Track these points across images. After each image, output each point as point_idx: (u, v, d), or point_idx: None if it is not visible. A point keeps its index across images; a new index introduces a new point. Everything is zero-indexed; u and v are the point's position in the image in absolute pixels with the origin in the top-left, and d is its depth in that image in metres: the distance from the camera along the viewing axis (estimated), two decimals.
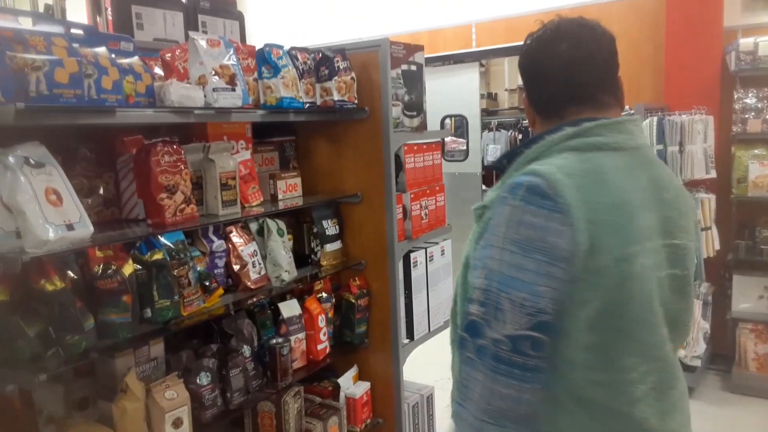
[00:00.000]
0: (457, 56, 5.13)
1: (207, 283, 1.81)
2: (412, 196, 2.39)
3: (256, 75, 2.10)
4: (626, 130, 1.08)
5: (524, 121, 7.47)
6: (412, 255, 2.41)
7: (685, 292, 1.10)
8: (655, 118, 3.45)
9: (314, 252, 2.30)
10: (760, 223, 3.71)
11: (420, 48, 2.53)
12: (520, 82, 7.61)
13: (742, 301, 3.70)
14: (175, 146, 1.77)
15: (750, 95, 3.63)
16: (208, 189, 1.92)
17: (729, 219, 3.78)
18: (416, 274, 2.42)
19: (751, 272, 3.70)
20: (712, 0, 3.75)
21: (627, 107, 3.67)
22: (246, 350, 1.92)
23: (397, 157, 2.37)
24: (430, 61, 4.77)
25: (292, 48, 2.23)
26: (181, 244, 1.75)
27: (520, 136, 7.13)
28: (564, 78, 1.10)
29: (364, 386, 2.31)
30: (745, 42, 3.59)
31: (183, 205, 1.75)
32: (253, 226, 2.06)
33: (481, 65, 5.94)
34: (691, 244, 1.09)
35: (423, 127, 2.59)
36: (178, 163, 1.77)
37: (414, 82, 2.53)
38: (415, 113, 2.53)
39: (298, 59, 2.22)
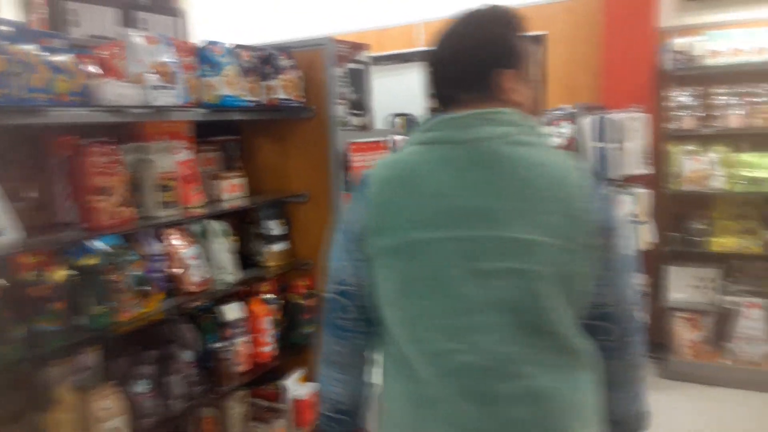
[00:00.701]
0: (405, 55, 5.14)
1: (145, 288, 1.76)
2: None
3: (197, 73, 2.05)
4: (464, 125, 1.05)
5: None
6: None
7: (536, 288, 0.99)
8: (594, 117, 3.55)
9: (260, 253, 2.27)
10: (694, 216, 3.88)
11: (365, 47, 2.53)
12: None
13: (676, 292, 3.87)
14: (110, 147, 1.71)
15: (684, 94, 3.78)
16: (147, 190, 1.86)
17: (665, 213, 3.94)
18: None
19: (686, 263, 3.87)
20: (647, 1, 3.89)
21: (570, 106, 3.77)
22: (188, 355, 1.88)
23: (344, 155, 2.37)
24: (378, 60, 4.76)
25: (236, 46, 2.19)
26: (118, 248, 1.69)
27: None
28: (431, 77, 1.12)
29: (311, 387, 2.29)
30: (679, 42, 3.74)
31: (119, 208, 1.69)
32: (195, 228, 2.01)
33: None
34: (545, 239, 0.98)
35: (369, 125, 2.59)
36: (114, 164, 1.71)
37: (360, 80, 2.52)
38: (361, 112, 2.53)
39: (241, 57, 2.18)
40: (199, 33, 2.62)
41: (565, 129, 3.64)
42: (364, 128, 2.54)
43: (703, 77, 3.76)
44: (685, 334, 3.76)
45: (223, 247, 2.00)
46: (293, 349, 2.31)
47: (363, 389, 1.20)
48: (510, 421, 1.01)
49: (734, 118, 3.65)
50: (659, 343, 3.94)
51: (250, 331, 2.12)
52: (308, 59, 2.26)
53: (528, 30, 1.15)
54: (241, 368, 2.08)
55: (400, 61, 5.23)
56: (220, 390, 1.96)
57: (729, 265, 3.84)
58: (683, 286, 3.88)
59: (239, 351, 2.07)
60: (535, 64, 1.15)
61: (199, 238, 2.01)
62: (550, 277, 0.99)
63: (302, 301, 2.24)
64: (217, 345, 1.97)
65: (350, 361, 1.17)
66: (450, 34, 1.11)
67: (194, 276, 1.91)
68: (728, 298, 3.65)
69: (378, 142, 2.62)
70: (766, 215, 3.70)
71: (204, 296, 1.95)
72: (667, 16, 3.96)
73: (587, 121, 3.57)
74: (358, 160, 2.44)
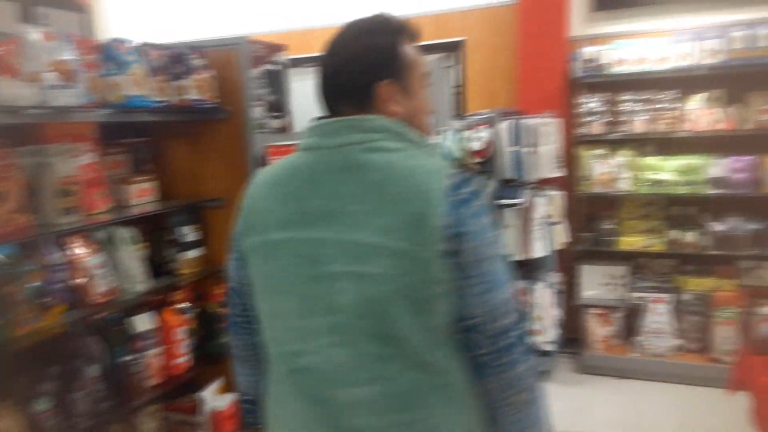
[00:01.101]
0: (321, 58, 5.12)
1: (45, 300, 1.64)
2: None
3: (101, 72, 1.94)
4: (330, 131, 1.07)
5: None
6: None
7: (378, 294, 0.98)
8: (510, 122, 3.67)
9: (173, 260, 2.18)
10: (603, 217, 4.08)
11: (282, 48, 2.49)
12: None
13: (588, 288, 4.05)
14: (3, 149, 1.59)
15: (593, 100, 3.97)
16: (46, 196, 1.75)
17: (577, 214, 4.12)
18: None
19: (597, 262, 4.07)
20: (558, 11, 4.06)
21: (488, 111, 3.87)
22: (94, 370, 1.77)
23: (261, 158, 2.32)
24: (303, 62, 4.72)
25: (144, 44, 2.10)
26: (13, 257, 1.57)
27: None
28: (318, 85, 1.13)
29: (229, 398, 2.23)
30: (588, 51, 3.93)
31: (14, 215, 1.58)
32: (101, 235, 1.91)
33: None
34: (387, 243, 0.97)
35: (288, 128, 2.55)
36: (9, 168, 1.60)
37: (277, 82, 2.48)
38: (279, 114, 2.49)
39: (149, 56, 2.09)
40: (116, 31, 2.50)
41: (484, 133, 3.74)
42: (284, 131, 2.50)
43: (611, 84, 3.97)
44: (597, 330, 3.94)
45: (131, 255, 1.90)
46: (211, 360, 2.24)
47: (261, 382, 1.21)
48: (345, 428, 1.01)
49: (639, 124, 3.87)
50: (575, 339, 4.11)
51: (162, 342, 2.02)
52: (222, 59, 2.20)
53: (418, 39, 1.16)
54: (153, 381, 1.99)
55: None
56: (130, 405, 1.86)
57: (636, 262, 4.07)
58: (595, 283, 4.07)
59: (151, 363, 1.97)
60: (421, 76, 1.14)
61: (105, 246, 1.90)
62: (393, 282, 0.97)
63: (219, 310, 2.17)
64: (127, 358, 1.88)
65: (245, 354, 1.25)
66: (334, 43, 1.12)
67: (100, 286, 1.81)
68: (636, 294, 3.86)
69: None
70: (668, 215, 3.95)
71: (111, 307, 1.85)
72: (577, 26, 4.15)
73: (504, 126, 3.68)
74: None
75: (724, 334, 3.61)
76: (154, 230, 2.20)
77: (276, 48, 2.44)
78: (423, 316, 0.99)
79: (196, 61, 2.17)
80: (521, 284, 3.73)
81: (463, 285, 0.99)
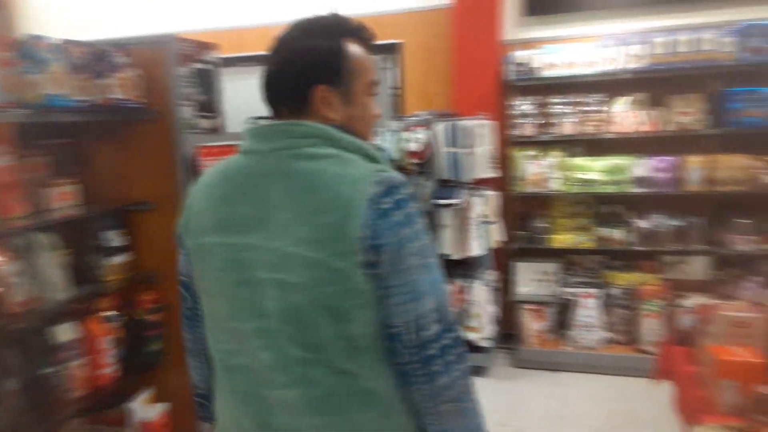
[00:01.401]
0: (263, 57, 5.04)
1: None
2: None
3: (17, 70, 1.84)
4: (263, 135, 1.07)
5: None
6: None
7: (297, 301, 0.99)
8: (447, 123, 3.73)
9: (98, 267, 2.09)
10: (536, 216, 4.20)
11: (213, 46, 2.43)
12: None
13: (523, 285, 4.16)
14: None
15: (525, 103, 4.09)
16: None
17: (511, 213, 4.23)
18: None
19: (530, 259, 4.18)
20: (491, 15, 4.15)
21: (425, 113, 3.91)
22: (12, 384, 1.67)
23: (192, 159, 2.25)
24: (238, 61, 4.62)
25: (65, 41, 2.00)
26: None
27: None
28: (261, 86, 1.12)
29: (161, 408, 2.15)
30: (520, 55, 4.03)
31: None
32: (18, 242, 1.80)
33: None
34: (305, 252, 0.97)
35: (220, 128, 2.49)
36: None
37: (208, 81, 2.42)
38: (210, 114, 2.43)
39: (71, 53, 1.99)
40: (38, 29, 2.37)
41: (421, 135, 3.78)
42: (215, 131, 2.44)
43: (542, 87, 4.09)
44: (531, 325, 4.05)
45: (51, 262, 1.81)
46: (139, 369, 2.15)
47: (211, 376, 1.21)
48: (272, 427, 1.04)
49: (568, 126, 4.00)
50: (510, 335, 4.21)
51: (87, 352, 1.93)
52: (149, 58, 2.13)
53: (371, 45, 1.13)
54: (77, 394, 1.89)
55: (261, 62, 5.13)
56: (54, 419, 1.77)
57: (567, 259, 4.21)
58: (529, 280, 4.18)
59: (75, 375, 1.88)
60: (366, 83, 1.11)
61: (23, 253, 1.80)
62: (311, 291, 0.98)
63: (148, 317, 2.09)
64: (48, 370, 1.78)
65: (196, 348, 1.25)
66: (279, 41, 1.10)
67: (17, 295, 1.71)
68: (567, 289, 3.99)
69: (232, 145, 2.53)
70: (597, 213, 4.10)
71: (30, 317, 1.75)
72: (509, 30, 4.26)
73: (440, 128, 3.73)
74: (208, 165, 2.34)
75: (650, 326, 3.78)
76: (77, 236, 2.10)
77: (206, 47, 2.38)
78: (343, 324, 0.99)
79: (121, 59, 2.09)
80: (459, 283, 3.79)
81: (384, 295, 0.99)
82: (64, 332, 1.86)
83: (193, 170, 2.24)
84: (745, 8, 3.76)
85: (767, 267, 3.74)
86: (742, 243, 3.66)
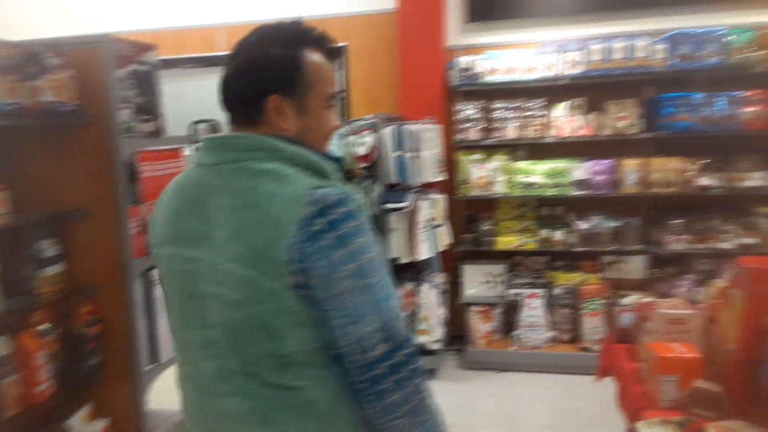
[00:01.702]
0: (207, 59, 4.94)
1: None
2: (150, 207, 2.20)
3: None
4: (211, 148, 1.08)
5: None
6: (153, 272, 2.22)
7: (233, 316, 1.01)
8: (393, 127, 3.74)
9: (30, 278, 1.97)
10: (482, 218, 4.28)
11: (151, 47, 2.35)
12: None
13: (470, 287, 4.22)
14: None
15: (469, 107, 4.15)
16: None
17: (458, 216, 4.29)
18: (159, 291, 2.24)
19: (476, 261, 4.25)
20: (434, 21, 4.21)
21: (372, 116, 3.91)
22: None
23: (131, 165, 2.16)
24: (177, 63, 4.50)
25: None
26: None
27: None
28: (219, 93, 1.13)
29: (101, 424, 2.06)
30: (464, 60, 4.10)
31: None
32: None
33: None
34: (238, 270, 0.98)
35: (161, 131, 2.41)
36: None
37: (147, 83, 2.33)
38: (149, 117, 2.34)
39: None
40: None
41: (368, 139, 3.77)
42: (156, 135, 2.36)
43: (485, 92, 4.17)
44: (479, 326, 4.10)
45: None
46: (78, 384, 2.05)
47: None
48: None
49: (511, 130, 4.09)
50: (459, 336, 4.26)
51: (20, 368, 1.82)
52: (83, 59, 2.03)
53: (333, 55, 1.12)
54: (10, 412, 1.78)
55: (202, 64, 5.01)
56: None
57: (512, 260, 4.29)
58: (475, 282, 4.24)
59: (7, 392, 1.77)
60: (323, 94, 1.09)
61: None
62: (246, 308, 0.99)
63: (85, 330, 1.99)
64: None
65: None
66: (236, 48, 1.09)
67: None
68: (513, 290, 4.07)
69: (174, 150, 2.45)
70: (539, 216, 4.21)
71: None
72: (453, 36, 4.32)
73: (387, 132, 3.74)
74: (148, 170, 2.25)
75: (591, 324, 3.90)
76: (8, 246, 1.98)
77: (144, 47, 2.30)
78: (277, 342, 0.99)
79: (53, 60, 1.99)
80: (408, 286, 3.80)
81: (322, 317, 0.98)
82: None
83: (132, 176, 2.15)
84: (675, 17, 3.95)
85: (700, 265, 3.93)
86: (675, 243, 3.82)
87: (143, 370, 2.12)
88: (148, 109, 2.33)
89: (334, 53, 1.12)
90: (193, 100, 4.61)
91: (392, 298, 1.01)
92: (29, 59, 1.93)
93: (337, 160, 1.12)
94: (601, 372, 2.38)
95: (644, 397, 1.76)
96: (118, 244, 2.06)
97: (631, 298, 3.86)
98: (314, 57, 1.07)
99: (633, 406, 1.78)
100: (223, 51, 4.76)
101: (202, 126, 5.59)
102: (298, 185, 0.99)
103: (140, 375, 2.11)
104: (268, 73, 1.05)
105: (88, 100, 2.03)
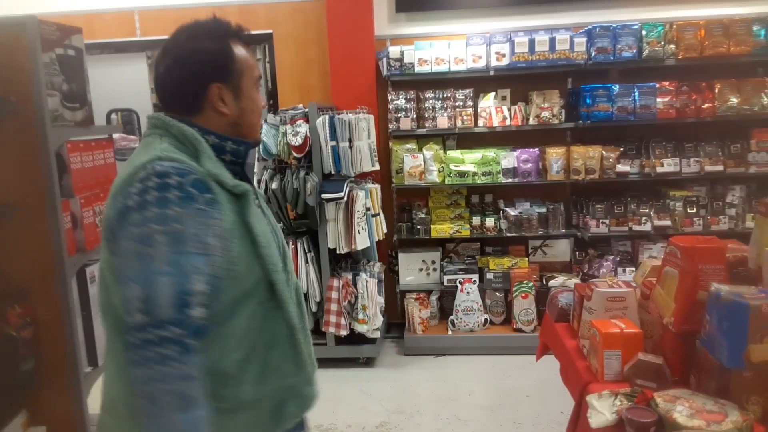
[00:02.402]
0: (119, 45, 4.67)
1: None
2: (82, 201, 2.07)
3: None
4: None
5: None
6: (89, 269, 2.09)
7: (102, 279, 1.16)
8: (327, 117, 3.71)
9: None
10: (416, 207, 4.33)
11: (78, 30, 2.20)
12: None
13: (406, 275, 4.28)
14: None
15: (400, 97, 4.18)
16: None
17: (392, 205, 4.32)
18: (95, 289, 2.12)
19: (412, 249, 4.31)
20: (363, 10, 4.19)
21: (302, 106, 3.86)
22: None
23: (60, 156, 2.02)
24: (89, 48, 4.23)
25: None
26: None
27: None
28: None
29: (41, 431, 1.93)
30: (393, 50, 4.11)
31: None
32: None
33: (148, 57, 5.53)
34: (103, 235, 1.12)
35: (89, 121, 2.27)
36: None
37: (74, 69, 2.19)
38: (77, 105, 2.20)
39: None
40: None
41: (302, 128, 3.72)
42: (84, 124, 2.21)
43: (415, 83, 4.21)
44: (416, 312, 4.17)
45: None
46: (12, 391, 1.91)
47: None
48: None
49: (441, 120, 4.16)
50: (397, 324, 4.31)
51: None
52: (5, 43, 1.88)
53: (248, 43, 1.24)
54: None
55: (115, 50, 4.74)
56: None
57: (446, 248, 4.39)
58: (411, 269, 4.30)
59: None
60: (252, 78, 1.24)
61: None
62: (102, 264, 1.14)
63: (18, 333, 1.86)
64: None
65: None
66: (165, 46, 1.19)
67: None
68: (448, 277, 4.16)
69: (105, 140, 2.31)
70: (471, 203, 4.32)
71: None
72: (381, 26, 4.32)
73: (320, 121, 3.70)
74: (78, 161, 2.12)
75: (523, 306, 4.06)
76: None
77: (71, 30, 2.15)
78: (110, 295, 1.12)
79: None
80: (346, 276, 3.80)
81: (113, 279, 1.10)
82: None
83: (61, 168, 2.02)
84: (594, 11, 4.16)
85: (619, 247, 4.18)
86: (597, 226, 4.04)
87: (81, 374, 2.00)
88: (76, 96, 2.18)
89: (251, 41, 1.26)
90: (106, 87, 4.37)
91: (172, 276, 1.02)
92: None
93: (249, 145, 1.25)
94: (540, 351, 2.49)
95: (589, 372, 1.85)
96: (51, 240, 1.92)
97: (559, 280, 4.08)
98: (239, 46, 1.21)
99: (579, 381, 1.87)
100: (141, 36, 4.55)
101: (117, 115, 5.31)
102: (148, 155, 1.10)
103: (79, 379, 1.99)
104: (205, 66, 1.17)
105: (12, 87, 1.88)
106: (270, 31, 4.40)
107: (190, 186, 1.06)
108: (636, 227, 4.00)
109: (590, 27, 3.96)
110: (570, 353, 2.07)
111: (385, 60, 4.13)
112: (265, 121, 3.81)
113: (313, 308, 3.83)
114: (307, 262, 3.78)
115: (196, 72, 1.16)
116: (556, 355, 2.26)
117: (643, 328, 1.83)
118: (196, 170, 1.10)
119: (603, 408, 1.53)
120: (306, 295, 3.80)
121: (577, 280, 3.88)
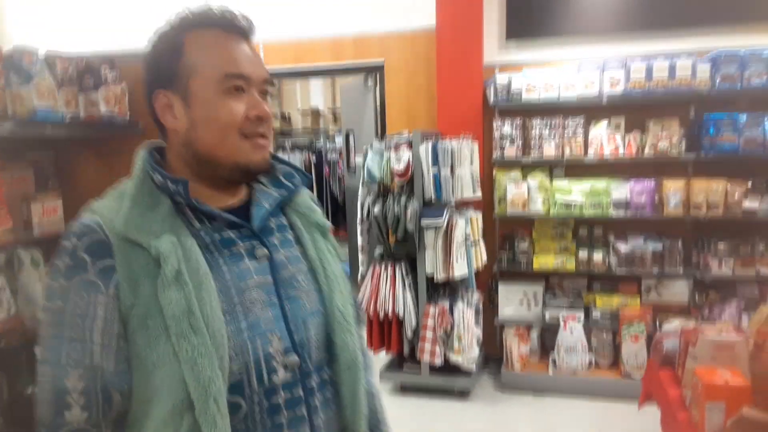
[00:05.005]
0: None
1: None
2: None
3: (3, 83, 1.81)
4: None
5: (318, 143, 7.61)
6: None
7: None
8: (430, 143, 3.75)
9: None
10: (518, 237, 4.23)
11: None
12: (313, 103, 7.69)
13: (506, 307, 4.17)
14: None
15: (506, 124, 4.14)
16: None
17: (494, 234, 4.26)
18: None
19: (513, 280, 4.19)
20: (473, 38, 4.22)
21: (408, 132, 3.93)
22: None
23: None
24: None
25: (49, 53, 1.98)
26: None
27: (314, 157, 7.25)
28: None
29: None
30: (501, 77, 4.09)
31: None
32: None
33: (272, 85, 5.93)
34: None
35: None
36: None
37: None
38: None
39: (56, 66, 1.97)
40: (23, 40, 2.33)
41: (405, 154, 3.79)
42: None
43: (523, 110, 4.15)
44: (514, 347, 4.04)
45: (34, 279, 1.76)
46: None
47: None
48: None
49: (548, 148, 4.06)
50: (494, 357, 4.20)
51: None
52: (137, 71, 2.11)
53: (228, 27, 0.92)
54: None
55: None
56: None
57: (549, 281, 4.23)
58: (511, 301, 4.19)
59: None
60: (212, 78, 0.88)
61: (4, 270, 1.75)
62: None
63: None
64: (32, 389, 1.72)
65: None
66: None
67: None
68: (550, 312, 4.01)
69: None
70: (577, 236, 4.15)
71: (12, 336, 1.69)
72: (491, 53, 4.32)
73: (424, 148, 3.75)
74: None
75: (632, 350, 3.81)
76: None
77: None
78: None
79: (108, 73, 2.07)
80: (442, 304, 3.78)
81: None
82: None
83: None
84: (717, 36, 3.88)
85: (745, 291, 3.81)
86: (719, 267, 3.72)
87: None
88: None
89: (231, 27, 0.92)
90: None
91: (50, 366, 0.82)
92: (86, 72, 2.01)
93: (178, 182, 0.90)
94: (643, 398, 2.33)
95: (689, 425, 1.71)
96: None
97: (674, 323, 3.78)
98: (202, 36, 0.90)
99: None
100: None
101: None
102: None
103: None
104: (150, 69, 0.91)
105: (141, 111, 2.10)
106: (381, 59, 4.55)
107: (84, 251, 0.83)
108: (765, 271, 3.63)
109: (715, 53, 3.71)
110: (671, 403, 1.92)
111: (492, 87, 4.12)
112: (371, 146, 3.92)
113: (409, 335, 3.84)
114: (404, 287, 3.81)
115: (146, 80, 0.92)
116: (658, 404, 2.10)
117: (753, 381, 1.67)
118: (106, 226, 0.85)
119: None
120: (402, 321, 3.82)
121: (696, 325, 3.58)
